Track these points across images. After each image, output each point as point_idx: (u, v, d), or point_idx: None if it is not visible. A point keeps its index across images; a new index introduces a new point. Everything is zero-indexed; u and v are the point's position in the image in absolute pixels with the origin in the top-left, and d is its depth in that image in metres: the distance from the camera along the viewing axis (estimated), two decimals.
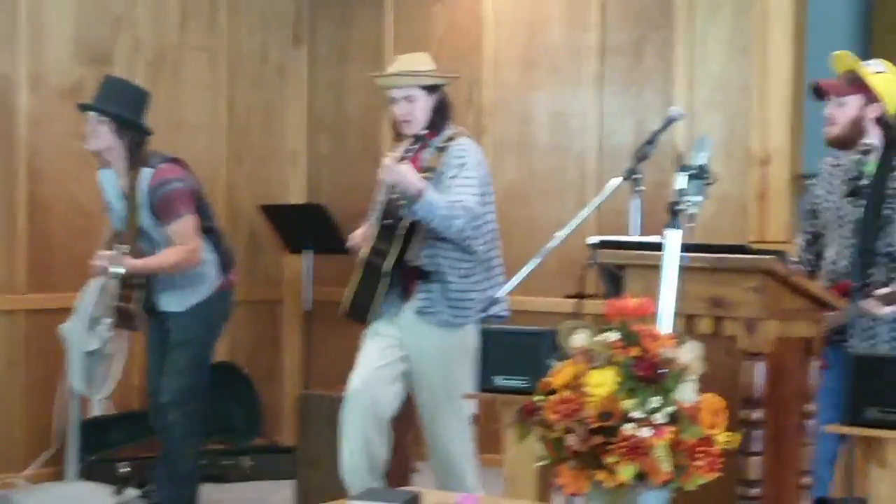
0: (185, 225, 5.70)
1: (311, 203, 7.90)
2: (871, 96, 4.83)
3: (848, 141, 4.87)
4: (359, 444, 5.19)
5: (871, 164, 4.84)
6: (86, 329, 6.26)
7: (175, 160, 5.84)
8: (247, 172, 7.87)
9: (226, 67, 7.72)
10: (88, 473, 6.59)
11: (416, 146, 5.17)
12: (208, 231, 5.83)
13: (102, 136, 5.73)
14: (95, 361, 6.39)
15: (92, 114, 5.76)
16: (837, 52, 5.00)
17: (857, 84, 4.85)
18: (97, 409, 6.83)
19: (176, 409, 5.77)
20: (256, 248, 7.88)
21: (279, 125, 8.09)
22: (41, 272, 6.79)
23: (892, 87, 4.85)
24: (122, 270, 5.58)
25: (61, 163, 6.87)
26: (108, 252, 5.65)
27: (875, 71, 4.86)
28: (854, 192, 4.75)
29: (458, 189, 5.10)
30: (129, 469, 6.65)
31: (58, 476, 6.58)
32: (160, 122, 7.21)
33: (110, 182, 5.79)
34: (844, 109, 4.85)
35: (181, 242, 5.67)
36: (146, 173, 5.70)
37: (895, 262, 4.75)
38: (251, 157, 7.88)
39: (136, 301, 5.80)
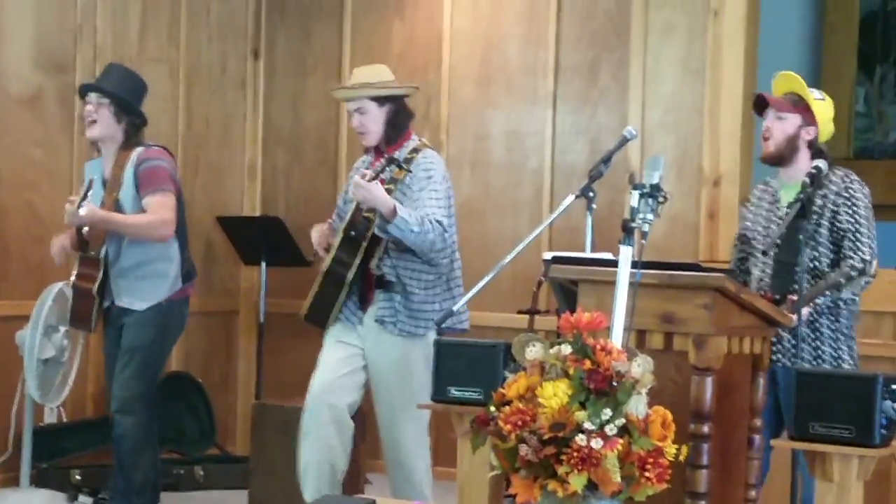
0: (164, 198, 5.68)
1: (266, 215, 7.94)
2: (810, 119, 5.00)
3: (780, 158, 5.04)
4: (317, 451, 5.23)
5: (792, 187, 4.99)
6: (41, 337, 6.28)
7: (166, 149, 5.91)
8: (203, 184, 7.90)
9: (184, 78, 7.74)
10: (42, 480, 6.58)
11: (385, 165, 5.18)
12: (179, 234, 5.83)
13: (102, 119, 5.76)
14: (51, 369, 6.41)
15: (93, 95, 5.78)
16: (784, 73, 5.16)
17: (799, 106, 5.00)
18: (51, 417, 6.83)
19: (125, 418, 5.75)
20: (212, 259, 7.91)
21: (237, 137, 8.12)
22: None
23: (826, 116, 5.06)
24: (84, 212, 5.48)
25: (19, 171, 6.86)
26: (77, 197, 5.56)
27: (816, 98, 5.02)
28: (801, 215, 4.87)
29: (426, 202, 5.15)
30: (81, 477, 6.65)
31: (12, 482, 6.57)
32: None
33: (97, 172, 5.80)
34: (783, 125, 5.02)
35: (156, 213, 5.66)
36: (137, 151, 5.75)
37: (819, 278, 4.89)
38: (208, 169, 7.91)
39: (94, 282, 5.76)
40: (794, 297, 4.77)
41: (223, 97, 8.02)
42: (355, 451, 5.49)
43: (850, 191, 4.91)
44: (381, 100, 5.31)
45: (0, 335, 6.65)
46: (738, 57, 6.80)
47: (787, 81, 5.11)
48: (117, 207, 5.73)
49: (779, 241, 4.93)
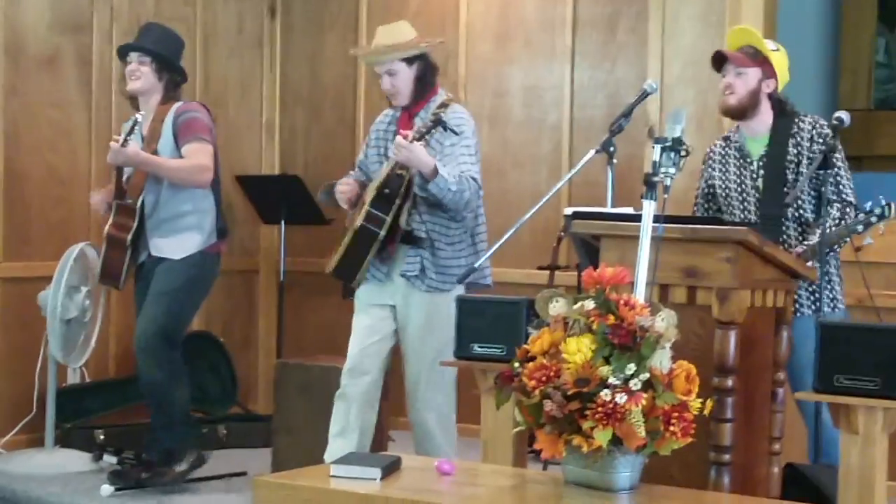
0: (202, 146, 5.79)
1: (285, 174, 7.93)
2: (769, 71, 5.04)
3: (743, 111, 5.11)
4: (351, 417, 5.26)
5: (759, 140, 5.03)
6: (63, 297, 6.30)
7: (205, 105, 6.04)
8: (222, 143, 7.80)
9: (201, 38, 7.73)
10: (66, 441, 6.62)
11: (432, 127, 5.15)
12: (214, 189, 5.90)
13: (144, 76, 5.88)
14: (73, 329, 6.43)
15: (133, 54, 5.89)
16: (740, 27, 5.28)
17: (758, 59, 5.05)
18: (74, 377, 6.86)
19: (148, 358, 5.78)
20: (232, 218, 7.87)
21: (254, 96, 8.11)
22: (18, 241, 6.80)
23: (783, 67, 5.12)
24: (131, 147, 5.60)
25: (37, 132, 6.88)
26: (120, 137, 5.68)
27: (771, 49, 5.05)
28: (749, 166, 4.89)
29: (459, 158, 5.15)
30: (105, 437, 6.69)
31: (36, 443, 6.61)
32: None
33: (138, 126, 5.85)
34: (745, 79, 5.07)
35: (195, 160, 5.74)
36: (175, 105, 5.88)
37: (805, 225, 4.92)
38: (226, 129, 7.89)
39: (129, 231, 5.82)
40: (800, 251, 4.78)
41: (240, 56, 8.01)
42: (378, 409, 5.50)
43: (824, 136, 4.93)
44: (410, 59, 5.30)
45: (22, 296, 6.68)
46: (758, 8, 6.75)
47: (743, 35, 5.19)
48: (156, 153, 5.81)
49: (759, 196, 4.96)
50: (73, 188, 7.00)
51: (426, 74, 5.33)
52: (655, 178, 3.83)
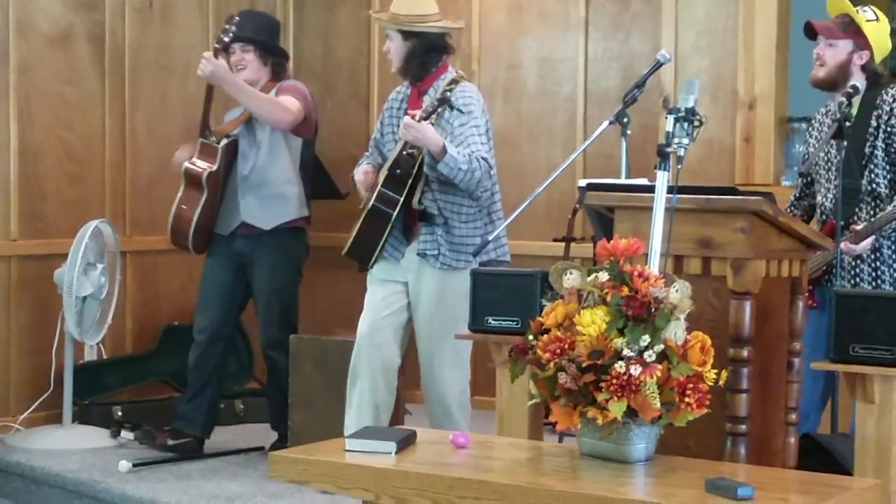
0: (293, 99, 5.90)
1: None
2: (862, 43, 4.92)
3: (832, 83, 4.98)
4: (365, 393, 5.27)
5: (854, 108, 4.93)
6: (79, 274, 6.32)
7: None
8: None
9: (213, 13, 7.71)
10: (84, 417, 6.65)
11: (437, 106, 5.16)
12: (307, 171, 6.09)
13: (250, 64, 6.03)
14: (89, 306, 6.45)
15: (235, 45, 6.00)
16: None
17: (850, 30, 4.93)
18: (91, 354, 6.89)
19: (281, 351, 6.04)
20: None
21: None
22: (33, 218, 6.82)
23: (881, 37, 4.97)
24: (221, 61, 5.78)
25: (51, 110, 6.89)
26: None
27: (868, 19, 4.93)
28: (837, 135, 4.81)
29: (469, 139, 5.14)
30: (123, 413, 6.71)
31: (54, 420, 6.64)
32: (149, 68, 7.26)
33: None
34: (835, 51, 4.94)
35: (283, 101, 5.86)
36: (279, 83, 6.05)
37: (878, 200, 4.85)
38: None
39: (208, 169, 5.96)
40: (858, 227, 4.74)
41: None
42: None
43: (892, 101, 4.85)
44: (405, 34, 5.29)
45: (39, 273, 6.70)
46: None
47: (840, 4, 5.03)
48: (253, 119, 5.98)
49: (837, 165, 4.89)
50: (88, 165, 7.00)
51: (423, 53, 5.30)
52: (668, 149, 3.81)
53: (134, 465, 5.90)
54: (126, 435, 6.39)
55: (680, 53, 6.82)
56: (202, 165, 5.95)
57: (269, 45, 6.06)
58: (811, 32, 5.04)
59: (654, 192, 3.77)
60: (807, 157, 5.16)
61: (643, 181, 4.70)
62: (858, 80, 4.95)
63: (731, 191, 4.11)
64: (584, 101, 7.24)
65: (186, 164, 5.98)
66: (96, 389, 6.85)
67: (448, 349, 5.21)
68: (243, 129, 6.01)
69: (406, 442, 3.72)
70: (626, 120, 5.02)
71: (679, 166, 3.81)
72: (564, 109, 7.31)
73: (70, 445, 6.34)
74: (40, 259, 6.73)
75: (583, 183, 4.92)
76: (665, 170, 3.78)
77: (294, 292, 6.21)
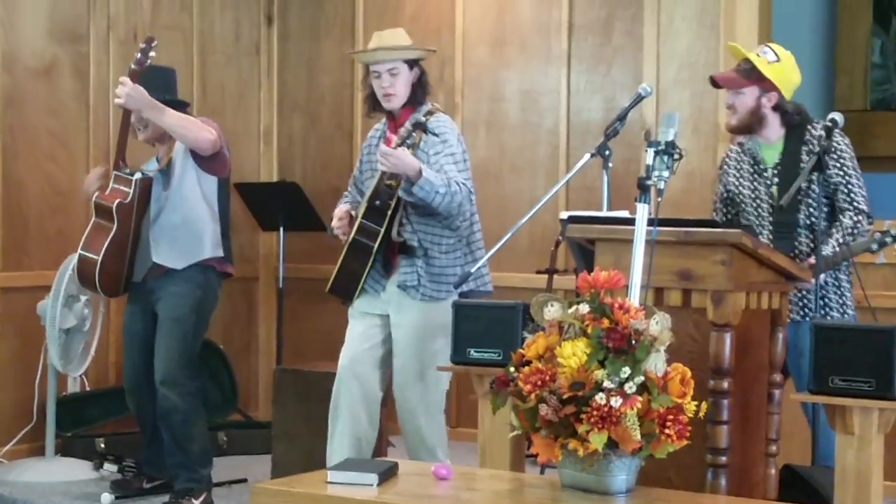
0: (212, 124, 5.75)
1: (284, 181, 7.95)
2: (767, 86, 5.01)
3: (747, 128, 5.12)
4: (346, 425, 5.26)
5: (773, 147, 5.01)
6: (62, 306, 6.31)
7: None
8: None
9: (197, 46, 7.74)
10: (67, 449, 6.64)
11: (412, 131, 5.18)
12: (223, 212, 5.88)
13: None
14: (73, 338, 6.44)
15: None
16: (731, 44, 5.30)
17: (753, 76, 5.02)
18: (74, 386, 6.87)
19: (174, 389, 5.74)
20: (230, 225, 7.91)
21: (252, 104, 8.13)
22: (17, 251, 6.81)
23: (784, 75, 5.05)
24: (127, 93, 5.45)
25: (35, 142, 6.89)
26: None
27: (769, 61, 5.00)
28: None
29: (445, 166, 5.15)
30: (106, 445, 6.70)
31: (37, 452, 6.62)
32: None
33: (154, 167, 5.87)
34: (743, 99, 5.06)
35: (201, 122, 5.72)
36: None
37: (815, 234, 4.92)
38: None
39: (122, 197, 5.71)
40: (812, 261, 4.78)
41: (237, 64, 8.02)
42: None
43: (834, 144, 4.92)
44: (411, 62, 5.33)
45: (22, 306, 6.69)
46: (753, 11, 6.77)
47: (736, 50, 5.17)
48: (169, 165, 5.78)
49: (772, 203, 4.97)
50: (71, 198, 7.00)
51: (423, 81, 5.35)
52: (649, 182, 3.84)
53: (116, 498, 5.89)
54: (109, 467, 6.37)
55: (661, 86, 6.86)
56: (114, 196, 5.74)
57: (172, 102, 5.74)
58: (717, 85, 5.17)
59: (634, 224, 3.80)
60: (725, 194, 5.22)
61: (625, 213, 4.73)
62: (773, 120, 5.05)
63: (712, 223, 4.15)
64: (567, 134, 7.28)
65: (97, 197, 5.76)
66: (79, 422, 6.83)
67: (426, 380, 5.21)
68: (158, 175, 5.82)
69: (388, 474, 3.73)
70: (607, 152, 5.06)
71: (659, 199, 3.84)
72: (547, 142, 7.34)
73: (53, 478, 6.32)
74: (23, 291, 6.72)
75: (564, 215, 4.95)
76: (645, 202, 3.81)
77: (198, 331, 5.87)
